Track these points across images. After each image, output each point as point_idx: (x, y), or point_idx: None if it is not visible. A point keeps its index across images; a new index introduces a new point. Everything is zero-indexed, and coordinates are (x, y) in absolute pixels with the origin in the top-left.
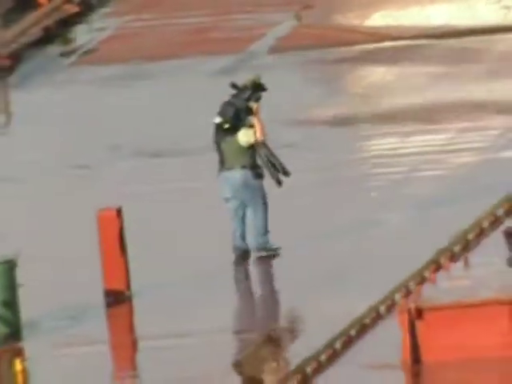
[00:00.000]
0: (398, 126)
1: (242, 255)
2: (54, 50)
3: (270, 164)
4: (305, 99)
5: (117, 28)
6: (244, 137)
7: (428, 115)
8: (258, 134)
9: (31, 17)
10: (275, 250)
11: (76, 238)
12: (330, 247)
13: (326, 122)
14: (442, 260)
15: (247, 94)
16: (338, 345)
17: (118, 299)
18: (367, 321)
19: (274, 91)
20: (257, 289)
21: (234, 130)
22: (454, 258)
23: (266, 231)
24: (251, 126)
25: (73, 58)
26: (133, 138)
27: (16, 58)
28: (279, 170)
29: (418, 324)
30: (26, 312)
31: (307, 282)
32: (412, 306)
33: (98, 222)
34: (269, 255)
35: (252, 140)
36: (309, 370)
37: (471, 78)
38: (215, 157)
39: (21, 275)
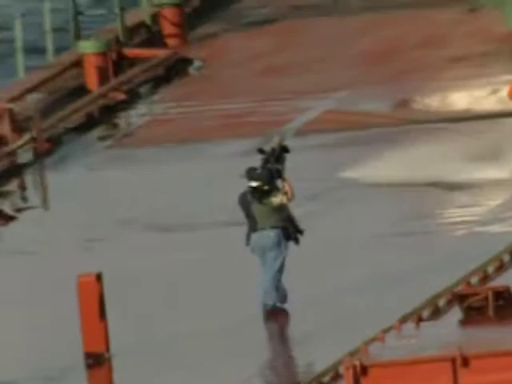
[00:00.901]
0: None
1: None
2: (93, 134)
3: (291, 224)
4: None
5: (156, 114)
6: (277, 198)
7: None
8: (289, 195)
9: (76, 103)
10: (279, 308)
11: (64, 304)
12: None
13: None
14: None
15: (275, 156)
16: None
17: (97, 361)
18: (326, 379)
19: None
20: (241, 348)
21: (268, 192)
22: (421, 321)
23: (274, 289)
24: (276, 188)
25: (110, 142)
26: (149, 213)
27: (55, 141)
28: (297, 230)
29: (363, 380)
30: (7, 374)
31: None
32: (357, 362)
33: (78, 287)
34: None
35: (285, 201)
36: None
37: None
38: (223, 231)
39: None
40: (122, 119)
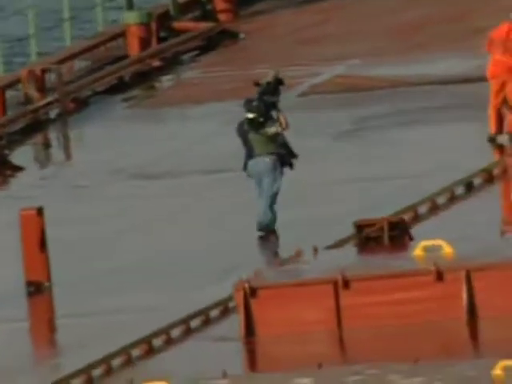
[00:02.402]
0: None
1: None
2: (120, 96)
3: (286, 149)
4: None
5: (185, 79)
6: (272, 128)
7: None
8: (283, 125)
9: (109, 68)
10: (270, 230)
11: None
12: None
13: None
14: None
15: (271, 89)
16: (193, 322)
17: (38, 289)
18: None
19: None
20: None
21: (263, 123)
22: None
23: (270, 210)
24: (272, 118)
25: (131, 103)
26: (139, 164)
27: (82, 102)
28: (292, 156)
29: (253, 301)
30: None
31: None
32: (246, 284)
33: (20, 220)
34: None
35: (279, 130)
36: (159, 341)
37: None
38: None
39: None
40: (152, 83)
